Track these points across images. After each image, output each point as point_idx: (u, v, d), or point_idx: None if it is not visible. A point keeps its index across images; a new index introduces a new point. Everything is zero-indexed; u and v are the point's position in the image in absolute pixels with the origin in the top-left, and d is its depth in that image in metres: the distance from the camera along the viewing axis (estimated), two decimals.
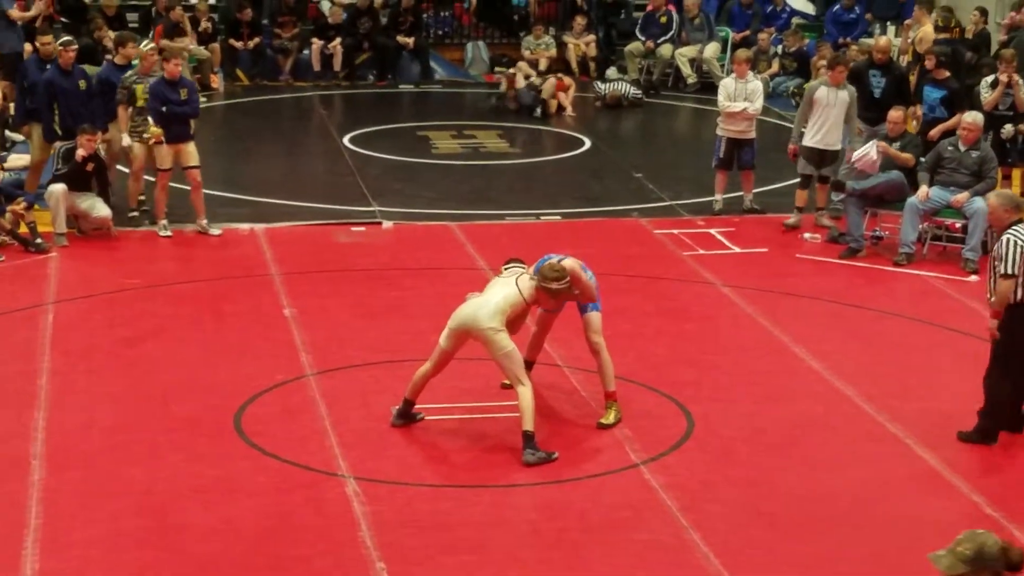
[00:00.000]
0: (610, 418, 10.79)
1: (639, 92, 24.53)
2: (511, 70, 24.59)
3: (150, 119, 15.72)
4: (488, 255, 15.12)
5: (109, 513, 9.29)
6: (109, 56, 18.10)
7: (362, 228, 16.33)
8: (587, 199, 17.78)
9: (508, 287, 10.52)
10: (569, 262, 10.60)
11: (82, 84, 16.15)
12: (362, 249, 15.57)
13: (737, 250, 15.73)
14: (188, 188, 15.97)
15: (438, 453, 10.35)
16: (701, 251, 15.59)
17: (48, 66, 16.31)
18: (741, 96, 16.84)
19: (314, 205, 17.17)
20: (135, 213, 16.35)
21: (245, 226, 16.19)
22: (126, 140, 16.08)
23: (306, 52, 25.91)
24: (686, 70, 25.74)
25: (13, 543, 8.81)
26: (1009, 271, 10.15)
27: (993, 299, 10.33)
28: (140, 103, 15.97)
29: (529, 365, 10.89)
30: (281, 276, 14.37)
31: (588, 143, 21.19)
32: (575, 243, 15.55)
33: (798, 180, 16.75)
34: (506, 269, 10.91)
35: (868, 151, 15.39)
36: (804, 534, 9.22)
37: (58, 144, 15.66)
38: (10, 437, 10.39)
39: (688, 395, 11.43)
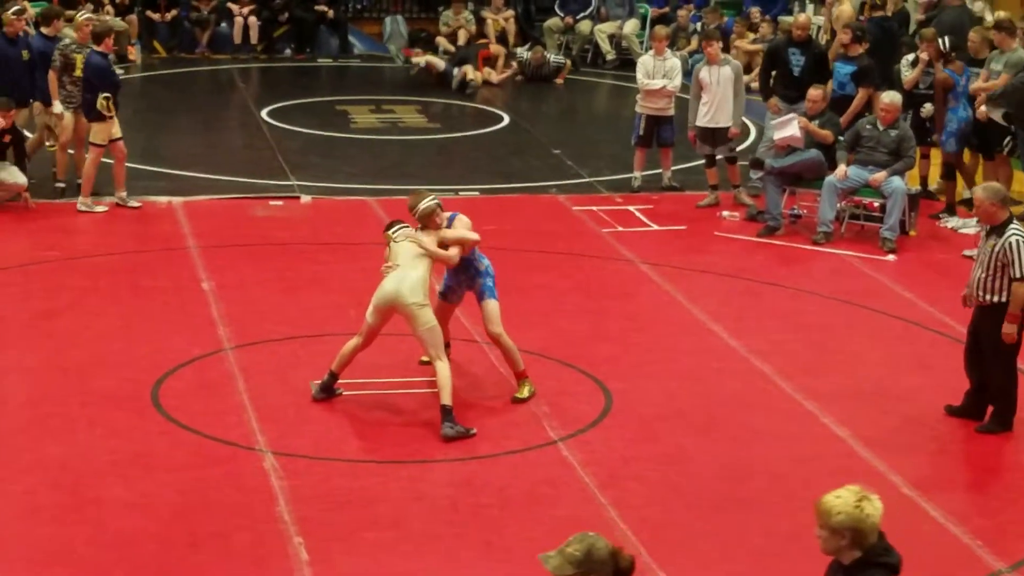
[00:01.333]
0: (524, 392, 10.84)
1: (561, 57, 24.58)
2: (429, 56, 24.30)
3: (105, 95, 15.36)
4: None
5: (24, 487, 9.21)
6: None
7: (280, 202, 16.25)
8: (506, 175, 17.81)
9: (417, 254, 10.52)
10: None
11: (25, 54, 15.92)
12: (281, 223, 15.50)
13: (656, 227, 15.81)
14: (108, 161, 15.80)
15: (357, 428, 10.34)
16: (620, 228, 15.65)
17: None
18: (660, 73, 16.91)
19: (232, 179, 17.07)
20: (61, 185, 16.17)
21: (163, 199, 16.06)
22: (57, 108, 15.84)
23: (224, 24, 25.71)
24: (605, 47, 25.83)
25: None
26: (1019, 273, 10.06)
27: (1011, 302, 10.14)
28: (78, 72, 15.76)
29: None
30: (199, 249, 14.28)
31: (507, 119, 21.21)
32: (494, 219, 15.58)
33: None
34: (395, 233, 10.82)
35: (791, 130, 15.50)
36: (722, 512, 9.30)
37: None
38: None
39: (606, 372, 11.49)
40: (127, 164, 16.01)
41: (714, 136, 16.46)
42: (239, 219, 15.54)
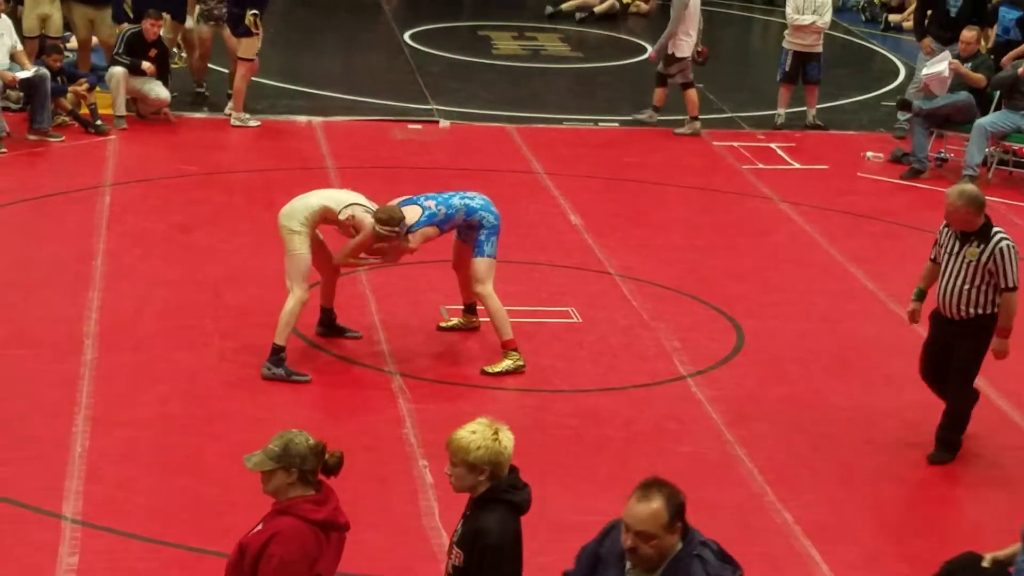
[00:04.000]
0: (499, 366, 9.98)
1: None
2: None
3: (253, 12, 15.47)
4: (544, 159, 15.03)
5: (157, 396, 9.34)
6: None
7: (419, 126, 16.23)
8: (646, 107, 17.58)
9: (333, 195, 10.11)
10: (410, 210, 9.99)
11: None
12: (418, 147, 15.49)
13: (797, 166, 15.55)
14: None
15: (485, 355, 10.31)
16: (760, 165, 15.42)
17: None
18: (810, 9, 16.58)
19: (372, 100, 17.08)
20: (202, 89, 16.42)
21: (303, 118, 16.12)
22: (189, 23, 16.01)
23: None
24: None
25: (64, 421, 8.89)
26: (1011, 283, 8.88)
27: (1001, 315, 8.94)
28: None
29: (470, 307, 10.56)
30: (336, 170, 14.32)
31: (650, 50, 20.92)
32: (633, 151, 15.47)
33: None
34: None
35: (940, 68, 15.13)
36: (851, 454, 9.16)
37: (125, 26, 15.61)
38: (65, 317, 10.44)
39: (739, 310, 11.35)
40: (268, 82, 16.09)
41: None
42: (377, 141, 15.56)
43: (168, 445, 8.74)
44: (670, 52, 16.40)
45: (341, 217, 9.83)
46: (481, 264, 10.02)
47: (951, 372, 9.07)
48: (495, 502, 5.56)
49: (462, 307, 10.63)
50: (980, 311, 8.91)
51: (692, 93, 16.43)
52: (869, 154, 15.91)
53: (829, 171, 15.43)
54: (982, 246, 8.87)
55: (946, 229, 9.09)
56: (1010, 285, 8.86)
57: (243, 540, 5.60)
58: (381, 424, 9.14)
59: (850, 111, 17.49)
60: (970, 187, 9.04)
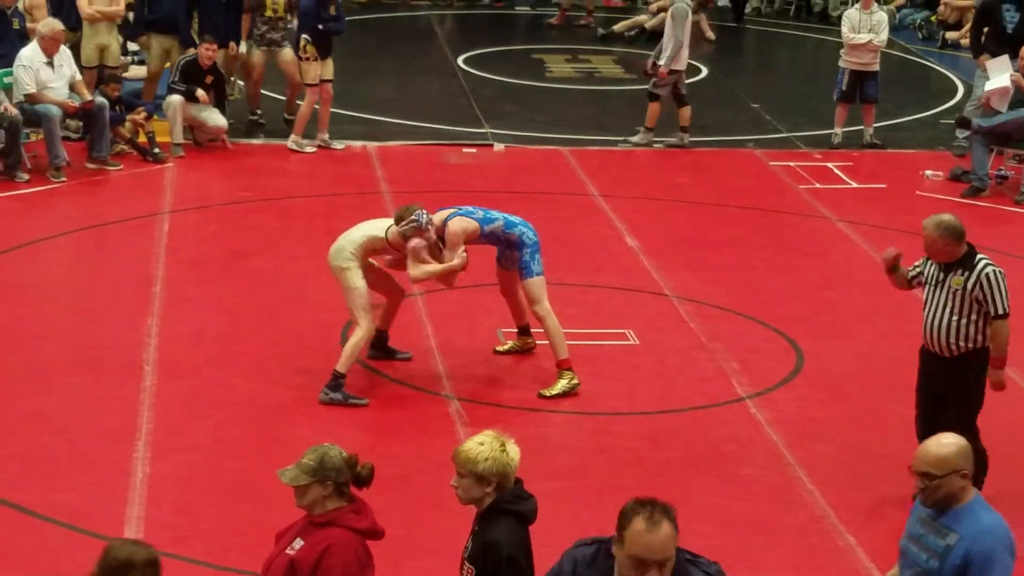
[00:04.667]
0: (555, 388, 9.94)
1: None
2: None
3: (304, 37, 15.61)
4: (599, 181, 15.01)
5: (215, 422, 9.38)
6: None
7: (473, 150, 16.26)
8: (702, 128, 17.52)
9: (374, 224, 10.00)
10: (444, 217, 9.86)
11: None
12: (473, 171, 15.50)
13: (855, 185, 15.46)
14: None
15: (542, 378, 10.28)
16: (817, 184, 15.34)
17: None
18: (866, 28, 16.51)
19: (426, 125, 17.12)
20: (255, 116, 16.56)
21: (358, 143, 16.17)
22: (242, 48, 16.14)
23: None
24: None
25: (126, 446, 8.95)
26: (1007, 310, 8.36)
27: (995, 345, 8.45)
28: (268, 12, 15.99)
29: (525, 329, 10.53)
30: (392, 194, 14.35)
31: (705, 71, 20.89)
32: (687, 172, 15.43)
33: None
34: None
35: (1002, 81, 14.99)
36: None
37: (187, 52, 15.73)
38: (125, 343, 10.52)
39: (798, 331, 11.27)
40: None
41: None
42: (432, 165, 15.58)
43: (227, 470, 8.77)
44: (673, 67, 16.37)
45: (389, 239, 9.80)
46: (533, 285, 9.99)
47: (947, 423, 7.89)
48: (502, 513, 5.60)
49: (516, 330, 10.61)
50: (971, 345, 8.42)
51: (688, 107, 16.49)
52: (928, 173, 15.78)
53: (887, 190, 15.33)
54: (966, 274, 8.35)
55: (928, 261, 8.59)
56: (1000, 312, 8.34)
57: (291, 557, 5.61)
58: (439, 448, 9.09)
59: (908, 129, 17.38)
60: (947, 217, 8.48)
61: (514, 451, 5.64)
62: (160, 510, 8.24)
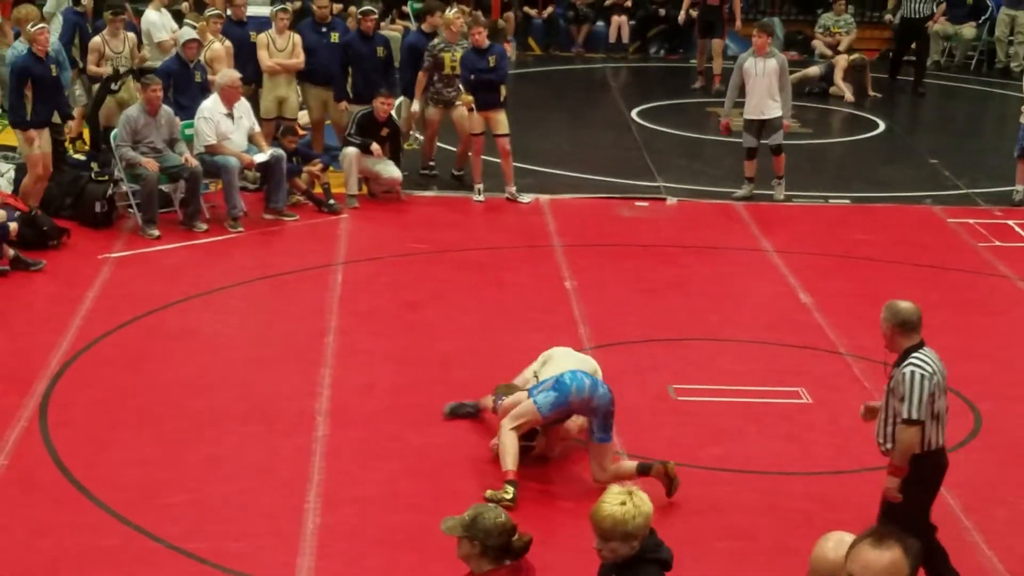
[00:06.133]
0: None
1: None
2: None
3: (462, 87, 15.92)
4: (773, 236, 14.87)
5: (386, 474, 9.44)
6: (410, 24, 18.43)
7: (645, 203, 16.23)
8: (878, 183, 17.30)
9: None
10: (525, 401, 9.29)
11: (380, 51, 16.46)
12: (645, 224, 15.47)
13: None
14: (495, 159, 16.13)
15: (713, 435, 10.19)
16: (997, 243, 15.01)
17: (323, 29, 16.79)
18: None
19: (599, 178, 17.13)
20: (427, 171, 16.75)
21: (530, 196, 16.24)
22: (416, 106, 16.36)
23: (600, 24, 25.87)
24: (1001, 55, 24.77)
25: (297, 497, 9.05)
26: (917, 416, 7.64)
27: (894, 450, 7.82)
28: (447, 71, 16.19)
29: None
30: (563, 247, 14.38)
31: (883, 126, 20.62)
32: (863, 228, 15.21)
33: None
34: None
35: None
36: None
37: (355, 108, 15.98)
38: (298, 393, 10.65)
39: (976, 391, 11.01)
40: (493, 159, 16.29)
41: (761, 127, 16.13)
42: (604, 218, 15.58)
43: (396, 522, 8.81)
44: (773, 117, 16.27)
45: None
46: (602, 451, 9.24)
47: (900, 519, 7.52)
48: (647, 563, 5.66)
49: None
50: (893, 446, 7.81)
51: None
52: None
53: None
54: (896, 371, 7.73)
55: None
56: (907, 416, 7.63)
57: None
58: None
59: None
60: (902, 304, 7.83)
61: (647, 501, 5.74)
62: (330, 561, 8.31)
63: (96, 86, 16.35)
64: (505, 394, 9.75)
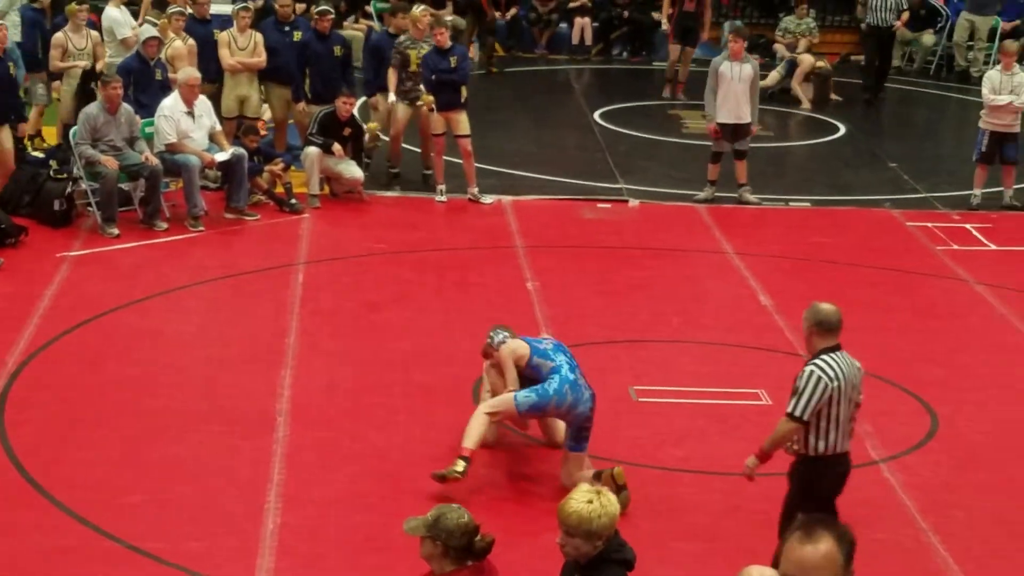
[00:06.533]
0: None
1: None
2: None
3: (422, 87, 15.89)
4: (734, 239, 14.92)
5: (347, 474, 9.43)
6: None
7: (608, 205, 16.26)
8: (839, 187, 17.40)
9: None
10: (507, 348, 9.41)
11: (337, 50, 16.45)
12: (608, 226, 15.50)
13: (993, 247, 15.21)
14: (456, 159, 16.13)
15: (674, 437, 10.23)
16: (955, 246, 15.11)
17: (286, 28, 16.75)
18: (1007, 89, 16.29)
19: (561, 179, 17.16)
20: (395, 170, 16.71)
21: (492, 197, 16.25)
22: (391, 98, 16.31)
23: (563, 26, 25.90)
24: (960, 59, 24.90)
25: (257, 497, 9.02)
26: (799, 414, 7.62)
27: (768, 437, 7.86)
28: (412, 68, 16.18)
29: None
30: (525, 249, 14.40)
31: (843, 129, 20.73)
32: (824, 231, 15.29)
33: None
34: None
35: None
36: None
37: (315, 109, 15.96)
38: (259, 393, 10.64)
39: (933, 394, 11.09)
40: (454, 160, 16.28)
41: (735, 132, 16.16)
42: (566, 220, 15.61)
43: (358, 523, 8.81)
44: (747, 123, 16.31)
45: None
46: (580, 460, 9.36)
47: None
48: (610, 563, 5.70)
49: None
50: (796, 447, 7.83)
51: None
52: None
53: None
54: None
55: None
56: (790, 411, 7.62)
57: None
58: None
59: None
60: (823, 305, 7.76)
61: (615, 502, 5.77)
62: (290, 561, 8.30)
63: (58, 82, 16.31)
64: (504, 332, 9.63)
